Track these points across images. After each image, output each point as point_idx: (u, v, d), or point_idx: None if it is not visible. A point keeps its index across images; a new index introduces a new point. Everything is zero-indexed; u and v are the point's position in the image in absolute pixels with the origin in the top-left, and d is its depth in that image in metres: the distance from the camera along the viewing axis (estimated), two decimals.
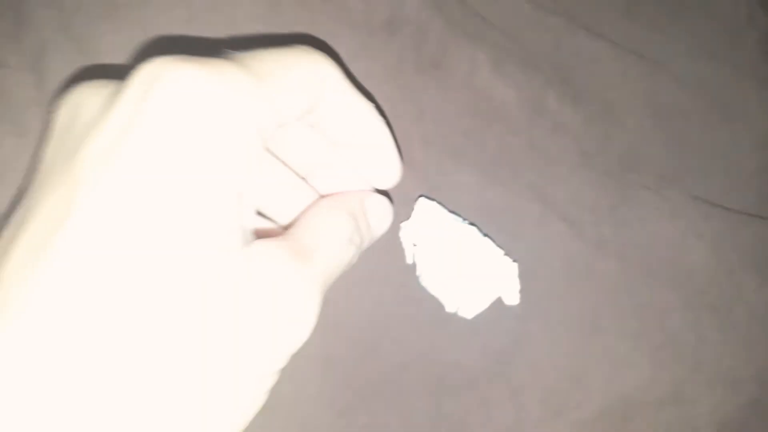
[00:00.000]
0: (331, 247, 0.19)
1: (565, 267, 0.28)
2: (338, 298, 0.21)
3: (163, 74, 0.15)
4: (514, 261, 0.27)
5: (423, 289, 0.27)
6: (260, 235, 0.18)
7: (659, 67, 0.30)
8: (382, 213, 0.22)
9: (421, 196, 0.28)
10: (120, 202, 0.14)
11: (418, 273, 0.27)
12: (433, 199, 0.28)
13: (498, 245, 0.27)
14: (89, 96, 0.16)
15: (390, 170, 0.22)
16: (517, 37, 0.30)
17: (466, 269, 0.27)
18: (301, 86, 0.17)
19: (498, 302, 0.27)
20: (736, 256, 0.29)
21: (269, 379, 0.17)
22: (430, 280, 0.27)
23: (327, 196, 0.22)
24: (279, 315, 0.16)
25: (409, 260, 0.28)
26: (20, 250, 0.14)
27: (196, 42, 0.27)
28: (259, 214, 0.22)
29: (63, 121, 0.17)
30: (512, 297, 0.27)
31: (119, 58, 0.26)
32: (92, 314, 0.14)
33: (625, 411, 0.27)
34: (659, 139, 0.30)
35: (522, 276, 0.27)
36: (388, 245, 0.27)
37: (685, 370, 0.28)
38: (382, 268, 0.27)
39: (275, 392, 0.17)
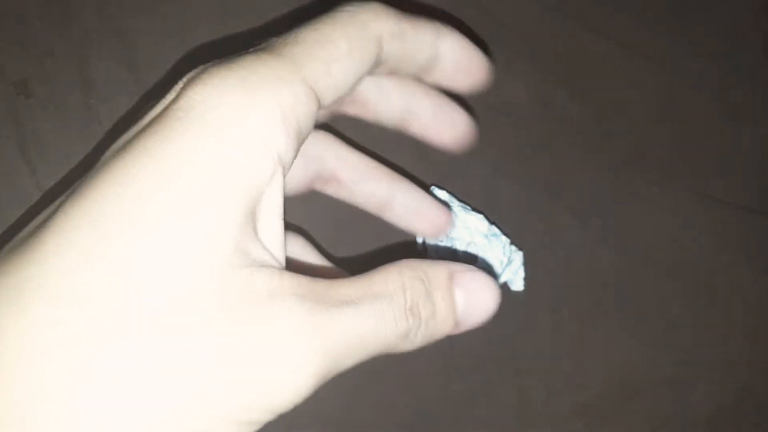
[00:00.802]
0: (369, 310, 0.15)
1: (569, 256, 0.30)
2: None
3: (195, 79, 0.15)
4: (520, 249, 0.28)
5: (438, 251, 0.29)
6: (317, 274, 0.15)
7: (666, 67, 0.31)
8: (479, 292, 0.17)
9: (432, 185, 0.29)
10: (116, 194, 0.13)
11: (428, 258, 0.29)
12: (443, 188, 0.29)
13: (505, 234, 0.28)
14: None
15: (462, 126, 0.22)
16: (529, 37, 0.31)
17: (474, 255, 0.28)
18: (348, 56, 0.16)
19: (504, 288, 0.29)
20: (734, 249, 0.30)
21: (246, 428, 0.14)
22: None
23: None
24: (261, 366, 0.13)
25: (419, 246, 0.29)
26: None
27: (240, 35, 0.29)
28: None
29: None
30: (518, 284, 0.28)
31: (157, 49, 0.28)
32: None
33: (624, 394, 0.28)
34: (664, 136, 0.31)
35: (528, 264, 0.29)
36: (400, 231, 0.29)
37: (682, 357, 0.29)
38: (393, 253, 0.29)
39: None
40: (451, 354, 0.29)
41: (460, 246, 0.28)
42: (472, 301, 0.17)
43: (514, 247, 0.28)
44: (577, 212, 0.30)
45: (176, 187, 0.13)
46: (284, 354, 0.13)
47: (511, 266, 0.28)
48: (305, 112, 0.15)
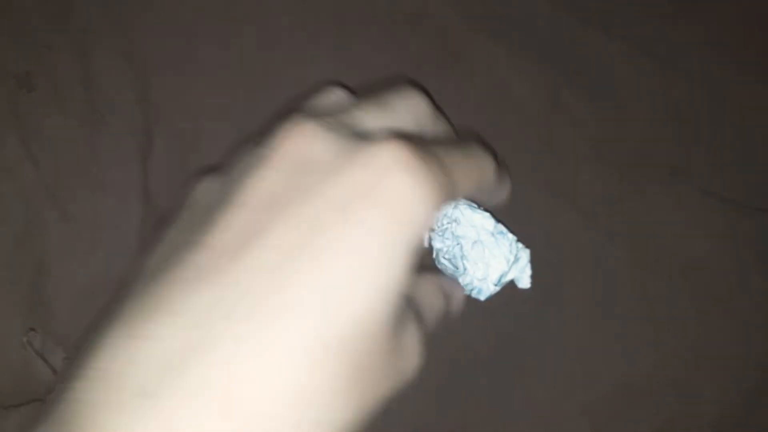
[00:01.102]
0: (431, 317, 0.22)
1: (575, 255, 0.29)
2: None
3: (405, 163, 0.17)
4: (527, 247, 0.28)
5: (439, 272, 0.29)
6: None
7: (671, 64, 0.31)
8: (460, 303, 0.26)
9: None
10: (347, 253, 0.16)
11: (434, 256, 0.29)
12: None
13: (511, 232, 0.28)
14: (323, 143, 0.18)
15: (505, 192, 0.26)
16: (534, 34, 0.31)
17: (481, 253, 0.28)
18: (473, 186, 0.21)
19: (510, 286, 0.28)
20: (741, 248, 0.29)
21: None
22: (446, 263, 0.28)
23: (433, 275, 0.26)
24: (403, 370, 0.18)
25: (425, 244, 0.29)
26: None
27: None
28: None
29: (291, 157, 0.18)
30: (525, 281, 0.28)
31: (158, 43, 0.28)
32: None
33: (630, 395, 0.28)
34: (670, 134, 0.31)
35: (534, 262, 0.28)
36: None
37: (689, 358, 0.28)
38: None
39: None
40: (458, 353, 0.29)
41: (467, 244, 0.27)
42: (456, 308, 0.26)
43: (520, 245, 0.28)
44: (583, 210, 0.30)
45: (387, 256, 0.17)
46: (415, 363, 0.19)
47: (518, 264, 0.28)
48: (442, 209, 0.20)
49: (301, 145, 0.18)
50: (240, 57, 0.29)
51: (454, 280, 0.27)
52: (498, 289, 0.28)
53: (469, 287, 0.28)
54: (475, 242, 0.28)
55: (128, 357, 0.16)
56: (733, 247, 0.30)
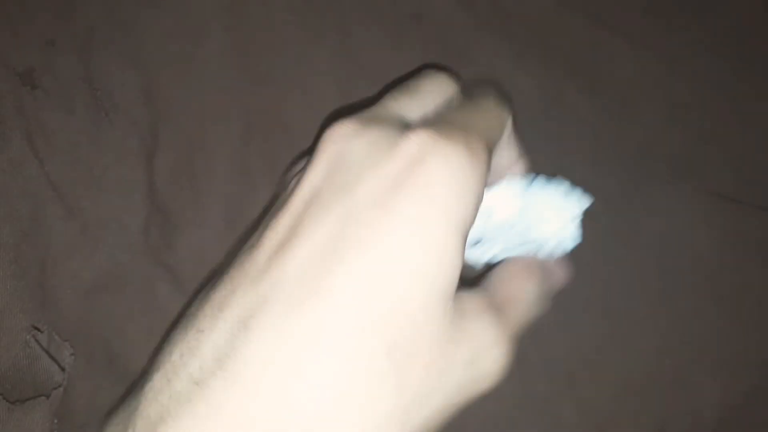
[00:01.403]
0: (520, 308, 0.21)
1: (576, 253, 0.29)
2: None
3: (434, 149, 0.18)
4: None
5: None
6: None
7: (676, 63, 0.31)
8: (561, 275, 0.25)
9: None
10: (381, 242, 0.17)
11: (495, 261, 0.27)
12: None
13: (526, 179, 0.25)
14: (357, 139, 0.18)
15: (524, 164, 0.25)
16: (539, 31, 0.31)
17: (533, 216, 0.24)
18: (498, 130, 0.21)
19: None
20: (743, 247, 0.29)
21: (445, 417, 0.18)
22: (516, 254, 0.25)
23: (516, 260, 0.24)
24: (474, 364, 0.18)
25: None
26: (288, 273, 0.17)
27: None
28: None
29: (330, 157, 0.18)
30: (574, 239, 0.25)
31: (162, 42, 0.28)
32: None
33: (631, 392, 0.28)
34: (673, 132, 0.31)
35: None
36: None
37: (690, 356, 0.29)
38: None
39: None
40: None
41: (516, 221, 0.24)
42: (557, 284, 0.24)
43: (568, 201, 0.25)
44: (585, 209, 0.30)
45: (426, 242, 0.17)
46: (492, 355, 0.18)
47: (561, 189, 0.25)
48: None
49: (339, 143, 0.18)
50: (244, 55, 0.29)
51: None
52: (576, 231, 0.24)
53: (552, 251, 0.25)
54: (521, 211, 0.24)
55: (188, 349, 0.17)
56: (736, 245, 0.30)
